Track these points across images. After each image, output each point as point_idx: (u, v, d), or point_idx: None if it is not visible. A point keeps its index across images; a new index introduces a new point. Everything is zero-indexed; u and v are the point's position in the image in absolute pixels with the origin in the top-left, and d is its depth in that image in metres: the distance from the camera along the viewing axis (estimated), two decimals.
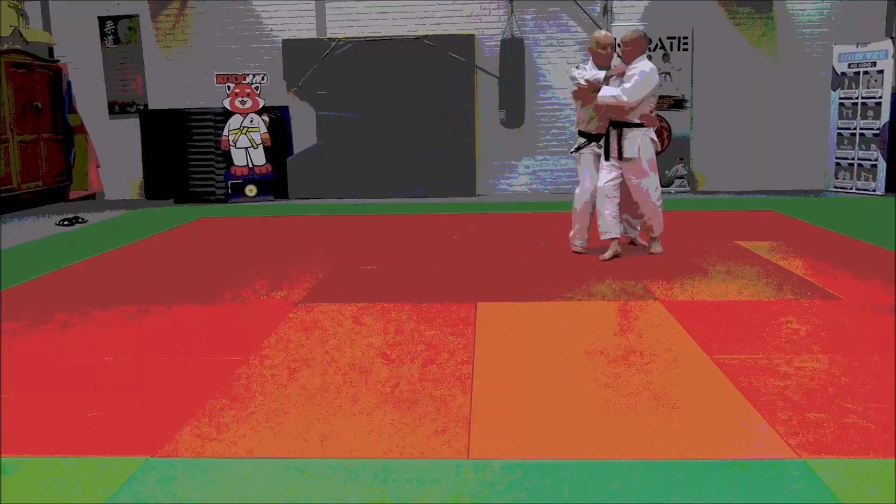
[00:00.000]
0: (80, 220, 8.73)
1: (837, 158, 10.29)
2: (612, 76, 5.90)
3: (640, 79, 5.72)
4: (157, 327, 4.47)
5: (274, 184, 10.60)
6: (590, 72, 5.96)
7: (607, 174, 6.02)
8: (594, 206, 6.19)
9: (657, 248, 6.30)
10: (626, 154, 5.90)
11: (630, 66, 5.86)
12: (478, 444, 2.82)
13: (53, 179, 10.68)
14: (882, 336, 4.00)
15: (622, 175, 6.03)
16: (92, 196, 11.20)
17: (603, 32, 6.19)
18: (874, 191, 9.82)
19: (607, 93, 5.80)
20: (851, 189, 10.12)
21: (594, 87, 5.89)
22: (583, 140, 6.21)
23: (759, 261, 5.95)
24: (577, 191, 6.34)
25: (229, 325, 4.51)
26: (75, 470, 2.68)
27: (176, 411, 3.17)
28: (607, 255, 6.09)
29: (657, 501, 2.39)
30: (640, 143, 5.88)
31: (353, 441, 2.87)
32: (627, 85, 5.72)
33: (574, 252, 6.38)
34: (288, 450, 2.81)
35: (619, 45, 6.11)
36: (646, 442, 2.82)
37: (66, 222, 8.58)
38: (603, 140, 6.06)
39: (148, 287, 5.54)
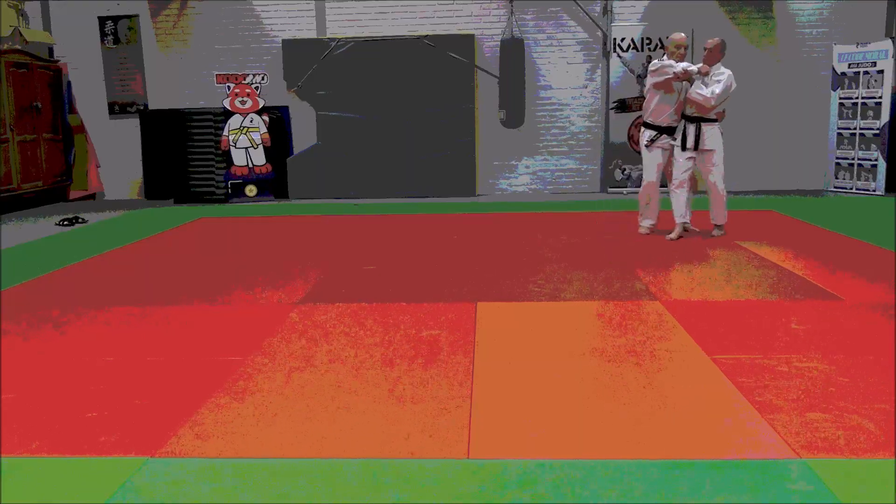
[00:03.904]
0: (80, 220, 8.73)
1: (837, 158, 10.29)
2: (700, 74, 6.57)
3: (726, 84, 6.54)
4: (157, 327, 4.47)
5: (274, 184, 10.60)
6: (684, 64, 6.58)
7: (683, 165, 6.76)
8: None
9: (719, 232, 6.98)
10: (707, 146, 6.68)
11: (716, 70, 6.61)
12: (478, 444, 2.82)
13: (53, 179, 10.68)
14: (882, 336, 4.00)
15: (695, 166, 6.82)
16: (92, 196, 11.20)
17: (682, 35, 6.82)
18: (874, 191, 9.82)
19: (702, 91, 6.56)
20: (851, 189, 10.13)
21: (686, 78, 6.57)
22: (654, 133, 6.82)
23: (759, 261, 5.95)
24: (645, 178, 6.99)
25: (229, 325, 4.51)
26: (75, 470, 2.68)
27: (176, 411, 3.17)
28: (674, 235, 6.85)
29: (657, 501, 2.39)
30: (719, 136, 6.71)
31: (352, 441, 2.87)
32: (717, 89, 6.51)
33: (641, 233, 7.15)
34: (288, 450, 2.81)
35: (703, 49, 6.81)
36: (646, 442, 2.82)
37: (66, 222, 8.58)
38: (679, 133, 6.76)
39: (148, 287, 5.54)
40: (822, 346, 3.87)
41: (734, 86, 6.64)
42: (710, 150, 6.71)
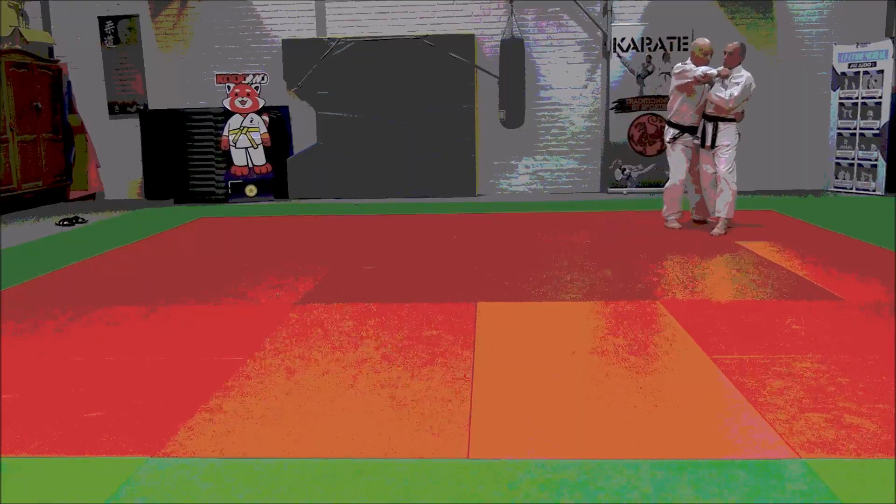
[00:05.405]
0: (80, 220, 8.73)
1: (837, 158, 10.28)
2: (719, 76, 6.94)
3: (744, 86, 6.84)
4: (157, 327, 4.47)
5: (274, 184, 10.60)
6: (704, 68, 6.99)
7: (712, 167, 7.16)
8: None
9: (721, 230, 7.08)
10: (721, 142, 7.02)
11: (735, 73, 6.91)
12: (478, 444, 2.82)
13: (53, 179, 10.68)
14: (882, 336, 4.00)
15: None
16: (92, 196, 11.20)
17: (707, 41, 7.22)
18: (874, 191, 9.82)
19: (721, 94, 6.90)
20: (851, 189, 10.12)
21: (706, 81, 6.96)
22: (676, 131, 7.24)
23: (759, 261, 5.95)
24: (672, 178, 7.33)
25: (229, 325, 4.51)
26: (75, 470, 2.68)
27: (176, 411, 3.17)
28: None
29: (657, 501, 2.39)
30: (734, 133, 7.04)
31: (352, 441, 2.87)
32: (735, 92, 6.83)
33: (669, 228, 7.43)
34: (287, 450, 2.81)
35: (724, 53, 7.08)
36: (646, 442, 2.81)
37: (66, 222, 8.58)
38: (699, 131, 7.14)
39: (148, 287, 5.54)
40: (822, 346, 3.87)
41: (753, 86, 6.95)
42: (724, 145, 7.04)
